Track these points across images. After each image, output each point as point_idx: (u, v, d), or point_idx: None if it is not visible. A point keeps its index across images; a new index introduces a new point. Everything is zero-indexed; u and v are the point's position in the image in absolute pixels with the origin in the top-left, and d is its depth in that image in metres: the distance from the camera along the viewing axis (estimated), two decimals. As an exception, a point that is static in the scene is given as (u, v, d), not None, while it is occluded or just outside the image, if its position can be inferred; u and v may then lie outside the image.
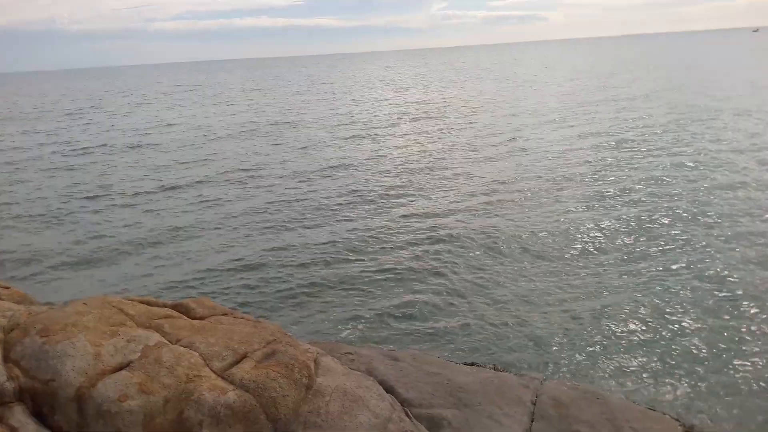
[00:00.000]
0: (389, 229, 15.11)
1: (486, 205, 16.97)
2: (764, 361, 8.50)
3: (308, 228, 15.64)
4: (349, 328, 10.00)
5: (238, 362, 5.32)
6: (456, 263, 12.69)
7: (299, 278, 12.25)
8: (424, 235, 14.48)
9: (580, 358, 8.86)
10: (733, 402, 7.64)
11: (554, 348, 9.20)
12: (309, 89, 71.64)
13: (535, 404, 6.95)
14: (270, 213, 17.22)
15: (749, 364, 8.42)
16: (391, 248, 13.71)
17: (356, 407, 5.55)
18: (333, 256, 13.36)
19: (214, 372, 5.12)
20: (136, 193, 20.63)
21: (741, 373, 8.21)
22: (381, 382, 6.70)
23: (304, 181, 21.15)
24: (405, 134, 31.21)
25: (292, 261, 13.22)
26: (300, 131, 33.84)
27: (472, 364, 8.51)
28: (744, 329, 9.33)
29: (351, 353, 7.31)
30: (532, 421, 6.66)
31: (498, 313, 10.32)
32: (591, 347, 9.11)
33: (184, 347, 5.29)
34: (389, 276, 12.15)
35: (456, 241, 13.98)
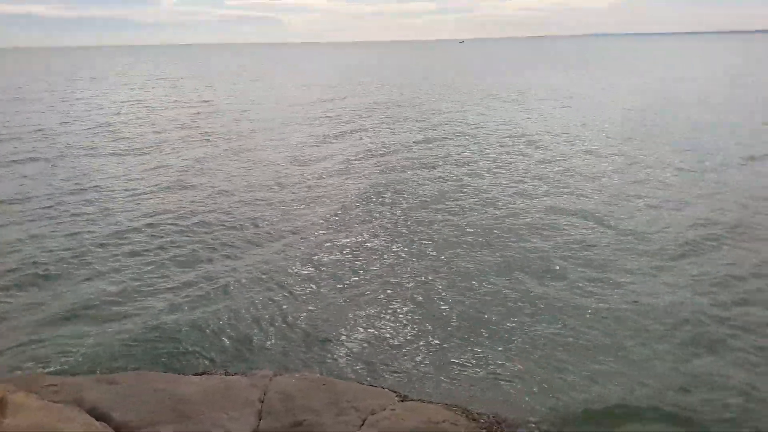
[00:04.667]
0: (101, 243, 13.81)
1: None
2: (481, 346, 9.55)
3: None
4: (63, 357, 8.93)
5: None
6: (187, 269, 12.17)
7: None
8: (147, 247, 13.57)
9: (314, 348, 9.12)
10: (444, 375, 8.48)
11: (292, 341, 9.31)
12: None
13: (263, 402, 7.01)
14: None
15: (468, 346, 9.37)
16: (113, 263, 12.63)
17: (55, 443, 5.01)
18: (34, 277, 11.76)
19: None
20: None
21: (461, 353, 9.10)
22: (92, 410, 6.16)
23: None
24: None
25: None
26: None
27: (202, 374, 8.28)
28: (478, 315, 10.13)
29: (55, 384, 6.58)
30: (260, 419, 6.71)
31: (228, 313, 10.11)
32: (327, 335, 9.39)
33: None
34: (113, 290, 11.17)
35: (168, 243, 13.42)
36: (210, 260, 12.55)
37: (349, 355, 8.87)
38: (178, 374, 8.23)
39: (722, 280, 10.94)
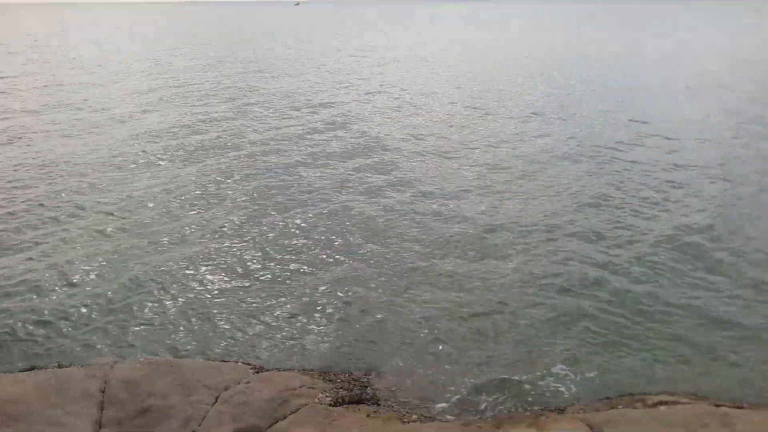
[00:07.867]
0: None
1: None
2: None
3: None
4: None
5: None
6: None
7: None
8: None
9: (156, 331, 8.57)
10: (299, 343, 8.40)
11: (131, 325, 8.67)
12: None
13: (104, 392, 6.53)
14: None
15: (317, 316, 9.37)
16: None
17: None
18: None
19: None
20: None
21: (315, 324, 9.06)
22: None
23: None
24: None
25: None
26: None
27: (30, 369, 7.52)
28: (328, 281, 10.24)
29: None
30: (102, 410, 6.25)
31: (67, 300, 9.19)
32: (169, 315, 8.87)
33: None
34: None
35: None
36: (29, 246, 11.33)
37: (194, 334, 8.49)
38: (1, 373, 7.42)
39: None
